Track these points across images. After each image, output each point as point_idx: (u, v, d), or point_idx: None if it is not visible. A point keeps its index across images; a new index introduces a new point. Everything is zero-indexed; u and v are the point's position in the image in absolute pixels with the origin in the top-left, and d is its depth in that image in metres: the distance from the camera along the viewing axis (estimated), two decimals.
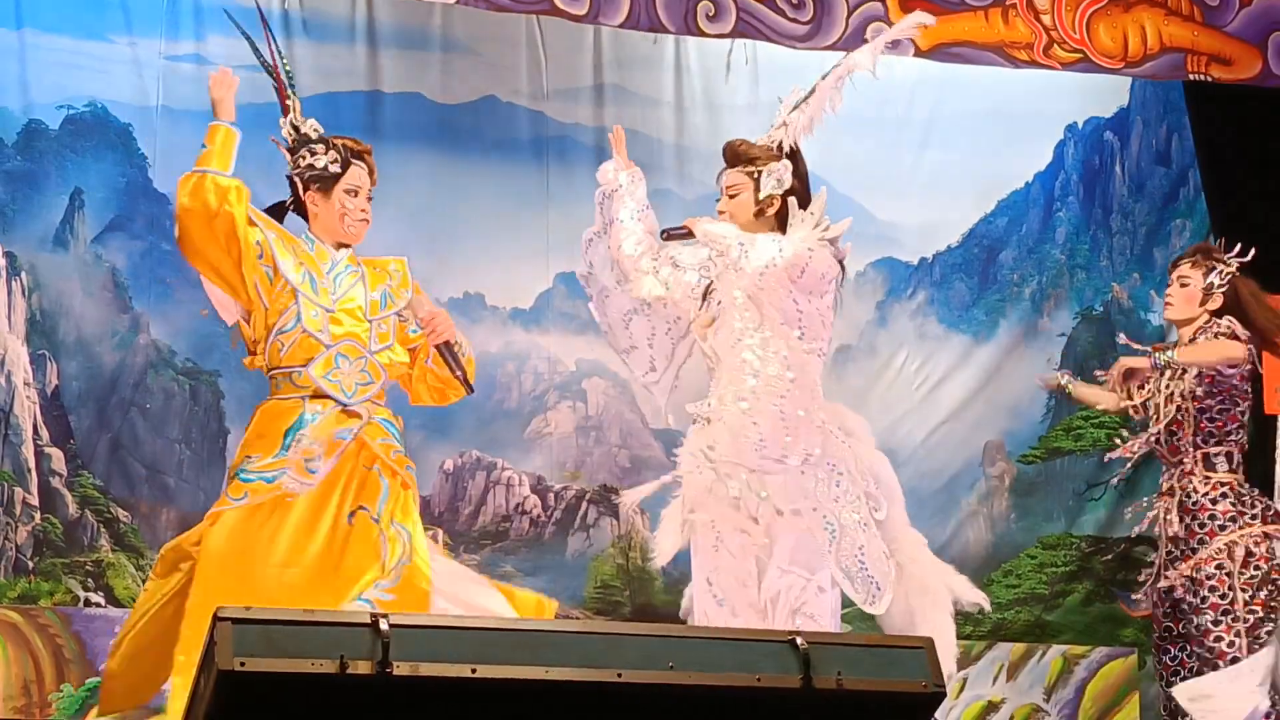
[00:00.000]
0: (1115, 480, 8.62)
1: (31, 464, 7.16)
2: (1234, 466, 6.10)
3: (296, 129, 5.37)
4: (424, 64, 8.00)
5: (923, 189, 8.50)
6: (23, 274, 7.26)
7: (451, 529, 7.79)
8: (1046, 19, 7.83)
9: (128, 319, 7.42)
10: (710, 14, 7.44)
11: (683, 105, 8.34)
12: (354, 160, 5.31)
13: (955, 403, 8.48)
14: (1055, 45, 7.84)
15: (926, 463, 8.42)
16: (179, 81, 7.48)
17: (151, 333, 7.42)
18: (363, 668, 3.30)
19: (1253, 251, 6.28)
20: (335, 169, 5.26)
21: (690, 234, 5.53)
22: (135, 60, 7.47)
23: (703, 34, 7.53)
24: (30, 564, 7.11)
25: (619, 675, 3.46)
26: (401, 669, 3.32)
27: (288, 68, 5.54)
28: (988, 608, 5.66)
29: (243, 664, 3.23)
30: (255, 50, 5.52)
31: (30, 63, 7.34)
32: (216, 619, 3.27)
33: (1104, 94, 8.78)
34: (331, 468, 5.06)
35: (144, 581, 7.18)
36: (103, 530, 7.22)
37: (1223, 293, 6.20)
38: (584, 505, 7.96)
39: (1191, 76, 8.05)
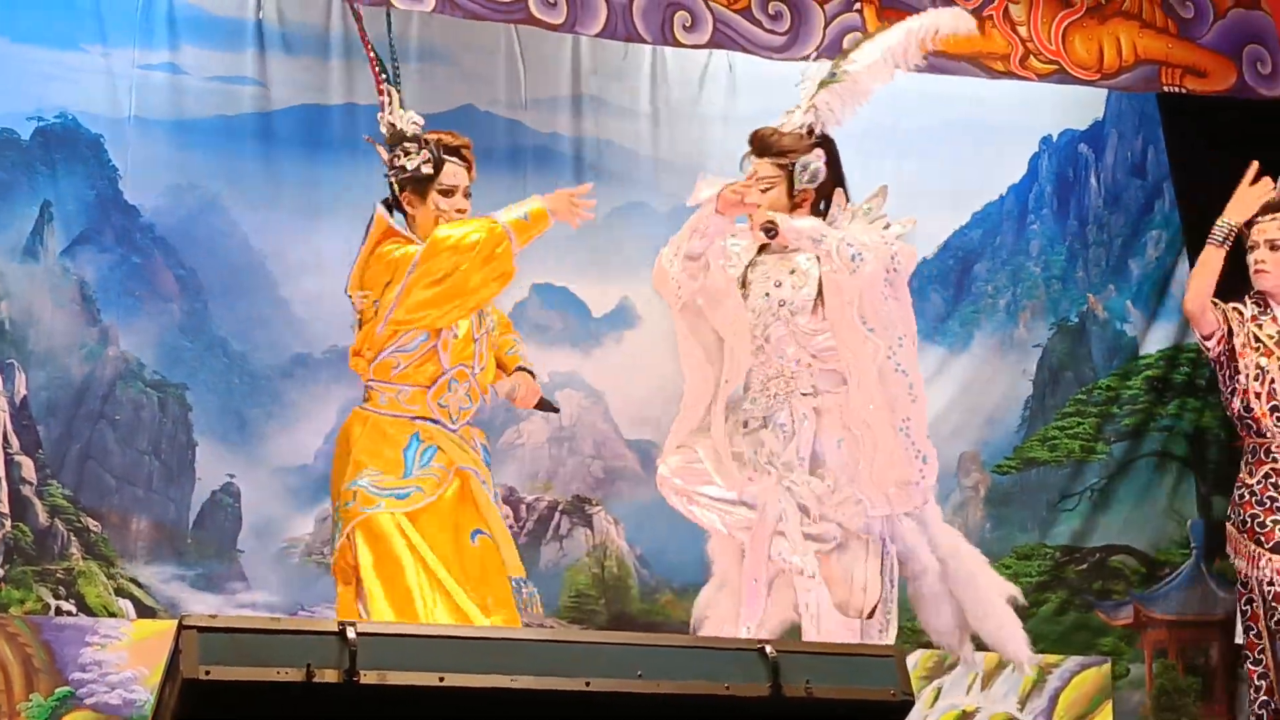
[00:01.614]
0: (1089, 491, 8.64)
1: (1, 472, 7.13)
2: None
3: (393, 125, 5.28)
4: (401, 75, 7.96)
5: (898, 199, 8.48)
6: None
7: None
8: (1023, 30, 7.84)
9: (96, 331, 7.40)
10: (687, 24, 7.44)
11: (659, 116, 8.33)
12: (448, 157, 5.25)
13: (930, 413, 8.44)
14: (1031, 56, 7.86)
15: None
16: (152, 91, 7.46)
17: (120, 345, 7.39)
18: (330, 676, 3.29)
19: None
20: (427, 170, 5.21)
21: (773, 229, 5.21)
22: (108, 70, 7.44)
23: (679, 44, 7.53)
24: (0, 572, 7.08)
25: (587, 684, 3.46)
26: (369, 677, 3.31)
27: (396, 62, 5.48)
28: (1021, 599, 5.58)
29: (208, 672, 3.22)
30: (363, 37, 5.52)
31: (1, 72, 7.31)
32: (181, 627, 3.26)
33: (1079, 106, 8.79)
34: (452, 490, 5.10)
35: (114, 591, 7.19)
36: (73, 539, 7.19)
37: None
38: (557, 516, 7.95)
39: (1166, 89, 8.07)
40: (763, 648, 3.63)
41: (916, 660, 7.91)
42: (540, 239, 7.95)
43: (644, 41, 7.57)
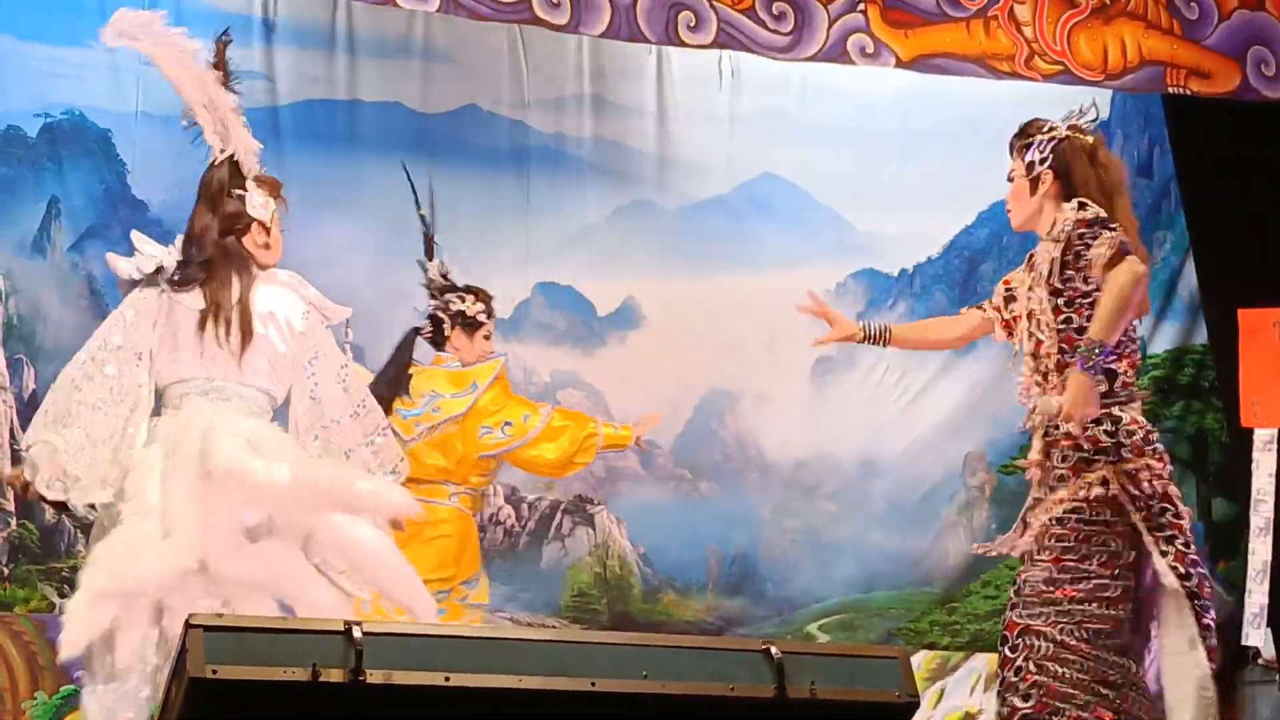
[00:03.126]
0: None
1: (7, 469, 7.13)
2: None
3: (444, 275, 6.40)
4: (404, 73, 7.98)
5: (903, 200, 8.51)
6: (0, 279, 7.24)
7: None
8: (1028, 31, 7.83)
9: None
10: (691, 24, 7.44)
11: (665, 116, 8.34)
12: (490, 312, 6.44)
13: (936, 414, 8.48)
14: (1036, 57, 7.85)
15: (906, 473, 8.43)
16: (158, 86, 7.43)
17: None
18: (335, 675, 3.29)
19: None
20: (482, 319, 6.38)
21: None
22: (113, 65, 7.44)
23: (683, 44, 7.52)
24: (5, 570, 7.09)
25: (592, 684, 3.46)
26: (375, 677, 3.31)
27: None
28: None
29: (215, 671, 3.22)
30: (414, 194, 6.57)
31: (7, 69, 7.31)
32: (188, 626, 3.26)
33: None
34: None
35: None
36: (79, 536, 7.19)
37: (1050, 166, 5.20)
38: (559, 515, 7.95)
39: (1171, 90, 8.06)
40: (768, 649, 3.63)
41: (920, 661, 7.92)
42: (543, 238, 8.02)
43: (648, 42, 7.57)
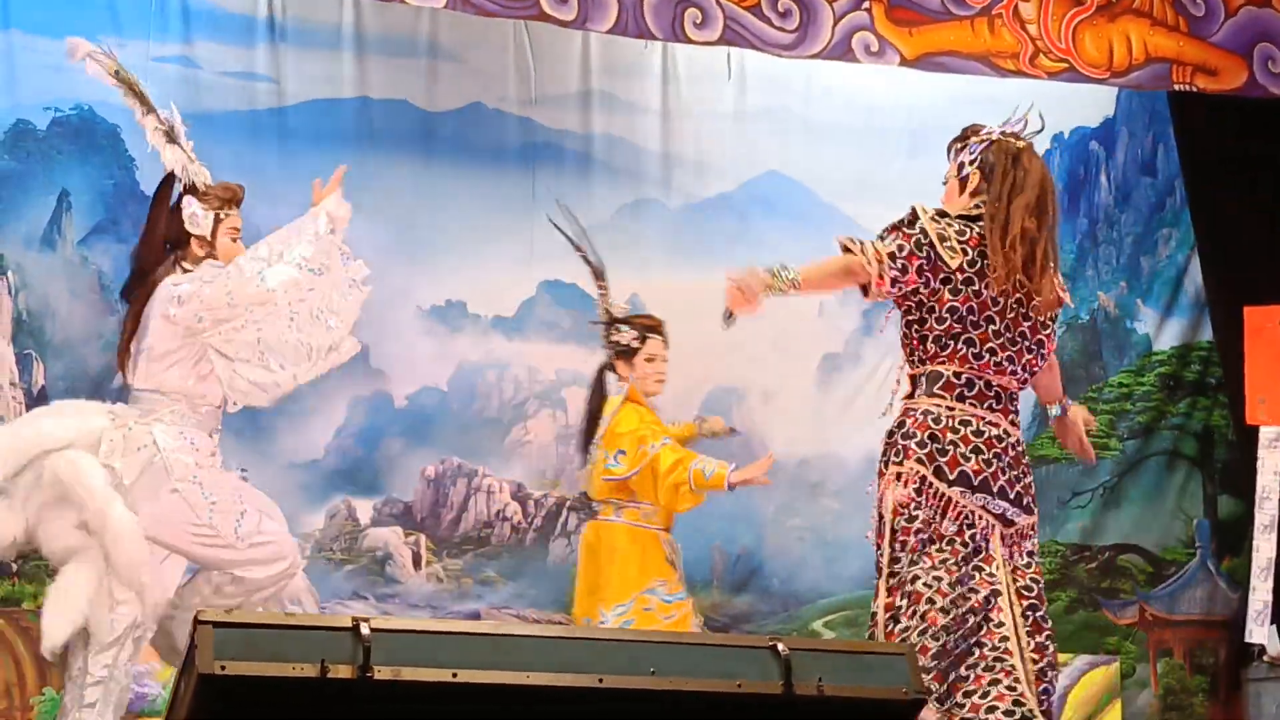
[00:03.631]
0: (1100, 488, 8.65)
1: None
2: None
3: (609, 312, 6.57)
4: (411, 71, 7.99)
5: (908, 198, 8.47)
6: (9, 273, 7.25)
7: (434, 535, 7.80)
8: (1033, 28, 7.83)
9: (114, 322, 7.38)
10: (698, 21, 7.44)
11: (669, 113, 8.34)
12: (650, 334, 6.48)
13: None
14: (1041, 55, 7.85)
15: None
16: (166, 84, 7.46)
17: None
18: (344, 672, 3.30)
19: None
20: (635, 344, 6.47)
21: None
22: (122, 63, 7.45)
23: (690, 40, 7.52)
24: (14, 566, 7.09)
25: (600, 680, 3.46)
26: (383, 673, 3.31)
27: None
28: None
29: (224, 667, 3.22)
30: (575, 248, 6.70)
31: (17, 64, 7.33)
32: (197, 622, 3.26)
33: (1090, 104, 8.79)
34: None
35: None
36: None
37: (977, 166, 5.11)
38: (564, 512, 7.96)
39: (1177, 87, 8.06)
40: (775, 645, 3.63)
41: None
42: (546, 236, 8.02)
43: (654, 38, 7.57)
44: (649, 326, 6.53)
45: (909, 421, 4.90)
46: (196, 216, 5.31)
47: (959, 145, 5.22)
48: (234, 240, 5.36)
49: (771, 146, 8.49)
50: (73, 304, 7.35)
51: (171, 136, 5.38)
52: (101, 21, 7.47)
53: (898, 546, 4.92)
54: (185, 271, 5.34)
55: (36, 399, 7.21)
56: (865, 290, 4.91)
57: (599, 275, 6.63)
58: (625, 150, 8.28)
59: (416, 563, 7.77)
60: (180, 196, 5.39)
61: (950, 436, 4.84)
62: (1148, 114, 8.89)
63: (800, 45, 7.58)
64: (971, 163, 5.11)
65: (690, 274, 8.10)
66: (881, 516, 5.00)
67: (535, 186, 8.05)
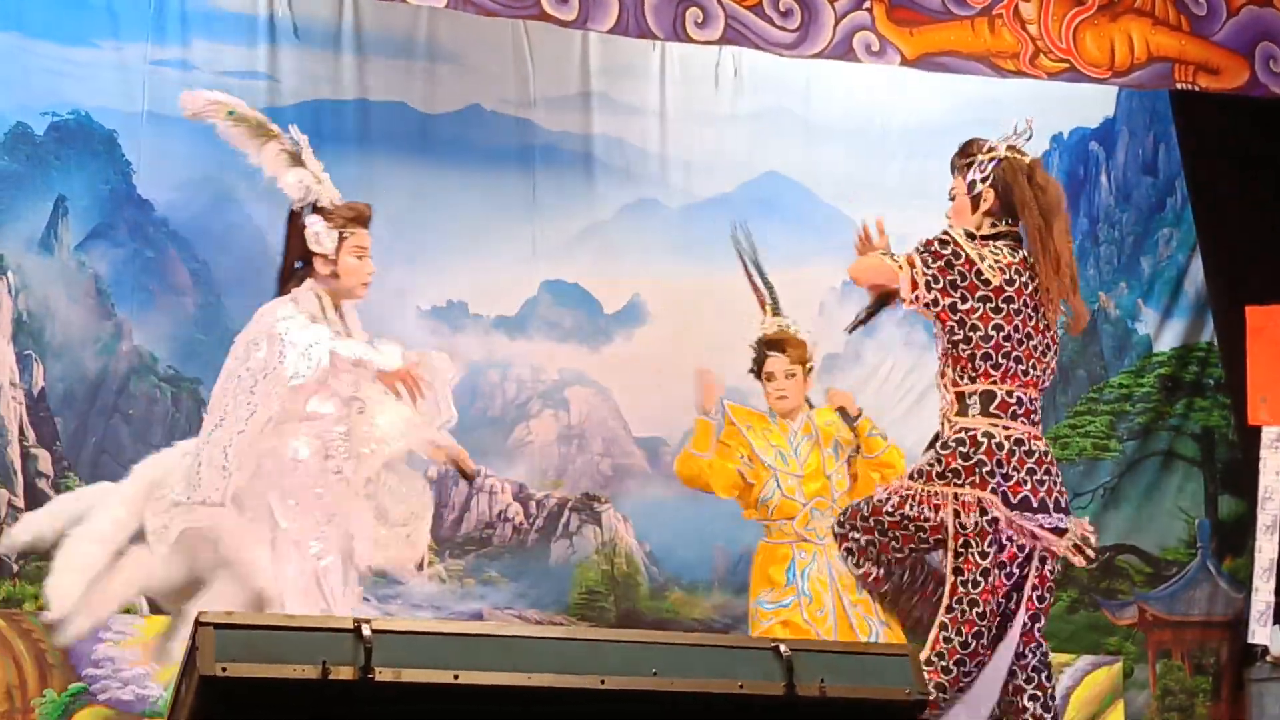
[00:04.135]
0: (1101, 489, 8.64)
1: (17, 465, 7.15)
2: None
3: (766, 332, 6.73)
4: (410, 73, 7.98)
5: (907, 199, 8.50)
6: (9, 274, 7.25)
7: (436, 535, 7.77)
8: (1033, 28, 7.84)
9: (111, 325, 7.41)
10: (699, 20, 7.44)
11: (668, 114, 8.34)
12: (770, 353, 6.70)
13: None
14: (1042, 55, 7.85)
15: None
16: (164, 87, 7.47)
17: (134, 339, 7.41)
18: (345, 673, 3.29)
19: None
20: (768, 367, 6.67)
21: None
22: (121, 65, 7.46)
23: (691, 40, 7.52)
24: (15, 567, 7.09)
25: (601, 682, 3.46)
26: (384, 674, 3.31)
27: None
28: None
29: (225, 669, 3.22)
30: (744, 266, 6.91)
31: (16, 68, 7.32)
32: (198, 623, 3.26)
33: (1090, 104, 8.78)
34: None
35: None
36: None
37: (990, 185, 5.15)
38: (566, 513, 7.96)
39: (1179, 86, 8.06)
40: (777, 646, 3.63)
41: None
42: (550, 236, 8.02)
43: (655, 38, 7.57)
44: (771, 342, 6.68)
45: (969, 443, 5.00)
46: (320, 235, 5.30)
47: (964, 162, 5.27)
48: (359, 259, 5.33)
49: (771, 147, 8.49)
50: (71, 308, 7.35)
51: (297, 158, 5.39)
52: (100, 25, 7.48)
53: (964, 569, 4.99)
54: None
55: (37, 399, 7.22)
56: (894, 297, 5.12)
57: (764, 304, 6.84)
58: (625, 151, 8.27)
59: (418, 563, 7.75)
60: (304, 215, 5.39)
61: (1012, 461, 4.99)
62: (1148, 113, 8.89)
63: (801, 45, 7.58)
64: (984, 181, 5.18)
65: (691, 274, 8.10)
66: (923, 530, 5.06)
67: (535, 187, 8.05)
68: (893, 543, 5.12)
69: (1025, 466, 5.01)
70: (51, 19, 7.37)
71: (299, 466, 5.11)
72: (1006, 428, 5.01)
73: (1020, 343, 5.05)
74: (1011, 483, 4.97)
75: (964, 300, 5.01)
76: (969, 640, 4.95)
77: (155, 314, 7.46)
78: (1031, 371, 5.07)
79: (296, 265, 5.36)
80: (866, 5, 7.59)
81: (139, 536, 5.05)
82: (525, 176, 8.05)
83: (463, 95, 8.05)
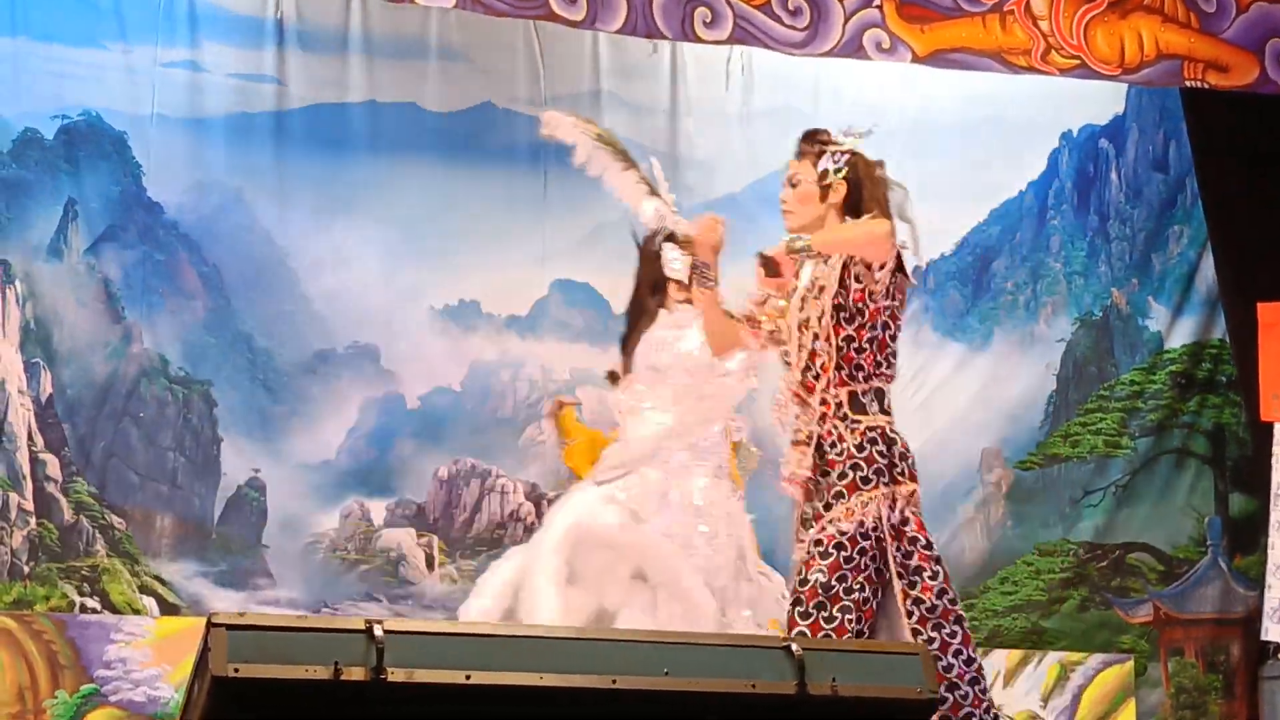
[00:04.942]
0: (1112, 486, 8.63)
1: (26, 470, 7.16)
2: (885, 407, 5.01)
3: None
4: (420, 73, 7.99)
5: (916, 197, 8.48)
6: (17, 282, 7.26)
7: (446, 535, 7.79)
8: (1044, 25, 7.82)
9: (120, 329, 7.42)
10: (707, 20, 7.43)
11: (677, 113, 8.33)
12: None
13: (952, 410, 8.47)
14: (1053, 51, 7.84)
15: (922, 470, 8.28)
16: (173, 89, 7.49)
17: (144, 342, 7.43)
18: (357, 674, 3.29)
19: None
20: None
21: None
22: (129, 67, 7.47)
23: (700, 40, 7.52)
24: (25, 569, 7.11)
25: (613, 682, 3.46)
26: (396, 675, 3.31)
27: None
28: None
29: (237, 670, 3.22)
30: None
31: (25, 71, 7.34)
32: (210, 624, 3.26)
33: (1100, 101, 8.77)
34: None
35: (138, 588, 7.23)
36: (98, 536, 7.22)
37: (844, 177, 5.05)
38: None
39: (1188, 83, 8.05)
40: (789, 646, 3.62)
41: None
42: (558, 235, 8.01)
43: (664, 38, 7.56)
44: None
45: (899, 442, 5.04)
46: (673, 263, 5.45)
47: (814, 150, 5.14)
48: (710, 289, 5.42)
49: (781, 146, 8.46)
50: (79, 312, 7.36)
51: (653, 190, 5.51)
52: (108, 28, 7.49)
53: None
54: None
55: (45, 407, 7.23)
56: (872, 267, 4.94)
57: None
58: (634, 150, 8.24)
59: (430, 564, 7.76)
60: (661, 244, 5.57)
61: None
62: (1157, 111, 8.87)
63: (811, 43, 7.57)
64: (837, 172, 5.07)
65: None
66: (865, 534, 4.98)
67: (546, 186, 8.05)
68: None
69: (909, 462, 5.17)
70: (60, 23, 7.38)
71: None
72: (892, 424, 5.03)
73: (895, 338, 5.03)
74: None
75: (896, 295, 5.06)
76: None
77: (165, 317, 7.47)
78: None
79: (652, 290, 5.84)
80: (877, 3, 7.58)
81: None
82: (536, 176, 8.05)
83: (474, 94, 8.05)
